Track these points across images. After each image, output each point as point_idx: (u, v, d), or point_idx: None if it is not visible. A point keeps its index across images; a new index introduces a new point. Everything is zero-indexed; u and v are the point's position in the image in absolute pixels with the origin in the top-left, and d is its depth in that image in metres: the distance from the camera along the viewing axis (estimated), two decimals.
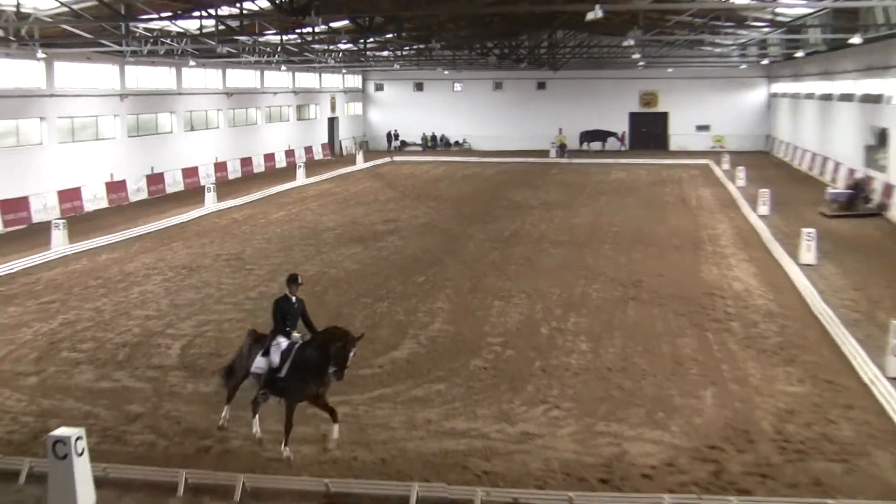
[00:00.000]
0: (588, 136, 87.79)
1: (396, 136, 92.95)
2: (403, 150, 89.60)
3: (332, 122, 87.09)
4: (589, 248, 36.22)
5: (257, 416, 16.52)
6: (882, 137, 48.01)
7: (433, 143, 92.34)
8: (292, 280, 16.30)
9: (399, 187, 59.56)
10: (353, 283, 30.07)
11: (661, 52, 72.15)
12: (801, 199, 50.59)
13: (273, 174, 67.47)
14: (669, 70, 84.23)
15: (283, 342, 15.90)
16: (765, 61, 76.19)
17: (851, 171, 52.11)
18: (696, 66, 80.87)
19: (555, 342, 23.00)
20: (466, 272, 31.77)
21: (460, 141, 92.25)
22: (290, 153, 76.04)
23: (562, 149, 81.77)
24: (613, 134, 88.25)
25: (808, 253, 32.33)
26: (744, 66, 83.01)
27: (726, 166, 67.44)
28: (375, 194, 55.51)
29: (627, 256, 34.33)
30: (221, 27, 44.09)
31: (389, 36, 52.37)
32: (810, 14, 42.70)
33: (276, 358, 15.76)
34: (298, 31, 48.41)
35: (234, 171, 66.10)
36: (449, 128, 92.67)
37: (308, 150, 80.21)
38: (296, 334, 16.11)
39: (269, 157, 72.65)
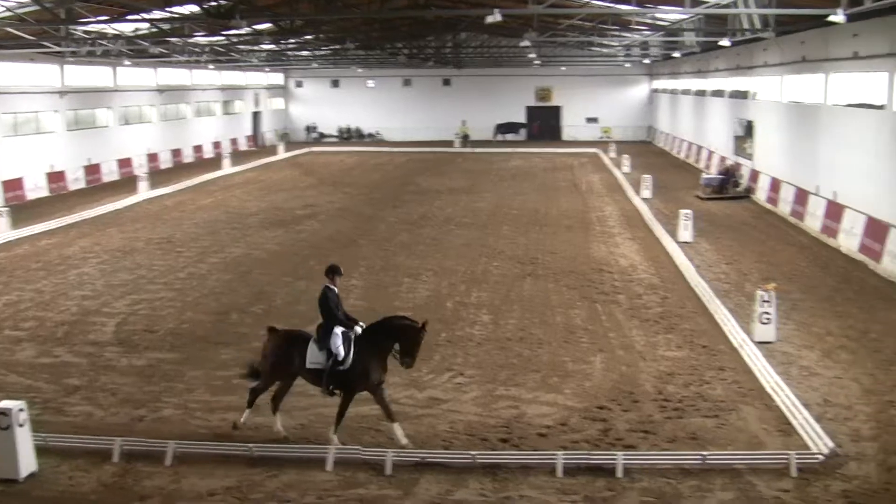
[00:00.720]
0: (502, 127, 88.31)
1: (315, 129, 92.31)
2: (321, 142, 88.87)
3: (256, 116, 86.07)
4: (490, 229, 36.37)
5: (279, 413, 15.23)
6: (749, 129, 48.92)
7: (348, 135, 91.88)
8: (336, 271, 15.08)
9: (317, 175, 59.12)
10: (275, 264, 29.84)
11: (555, 51, 72.43)
12: (679, 183, 51.31)
13: (201, 164, 66.42)
14: (562, 68, 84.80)
15: (340, 333, 14.70)
16: (646, 60, 76.99)
17: (723, 159, 53.01)
18: (586, 65, 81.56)
19: (459, 315, 23.09)
20: (378, 252, 31.71)
21: (373, 132, 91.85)
22: (217, 145, 74.81)
23: (465, 139, 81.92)
24: (525, 125, 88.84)
25: (686, 232, 32.82)
26: (628, 65, 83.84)
27: (613, 155, 68.02)
28: (295, 182, 55.03)
29: (525, 236, 34.53)
30: (154, 30, 43.39)
31: (308, 37, 51.95)
32: (685, 19, 43.23)
33: (340, 350, 14.56)
34: (225, 33, 47.74)
35: (165, 161, 64.87)
36: (363, 121, 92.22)
37: (234, 141, 79.08)
38: (358, 327, 14.83)
39: (198, 149, 71.46)
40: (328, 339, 14.64)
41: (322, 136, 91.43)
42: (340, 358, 14.56)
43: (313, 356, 14.74)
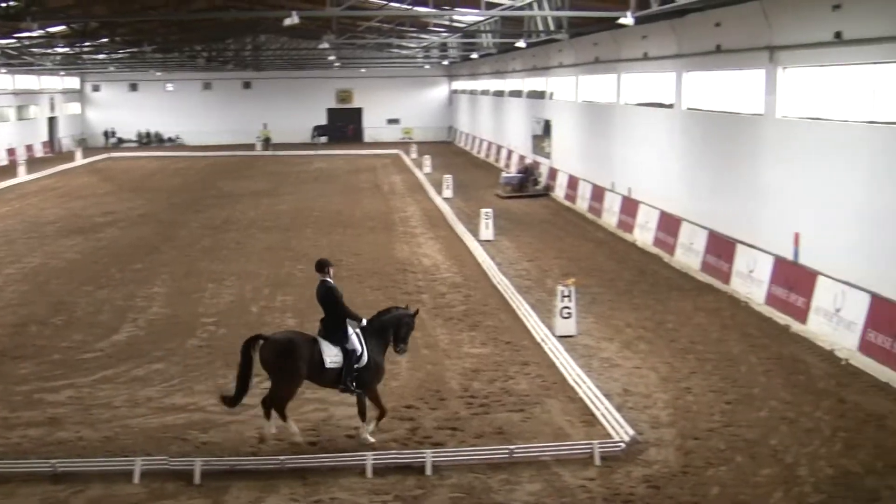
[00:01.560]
0: (319, 129, 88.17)
1: (113, 134, 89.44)
2: (120, 147, 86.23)
3: (52, 122, 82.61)
4: (293, 231, 36.04)
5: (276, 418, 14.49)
6: (546, 128, 50.13)
7: (148, 140, 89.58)
8: (329, 264, 15.20)
9: (117, 181, 57.28)
10: (74, 273, 28.70)
11: (355, 53, 72.64)
12: (480, 182, 52.13)
13: None
14: (362, 70, 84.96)
15: (351, 328, 14.50)
16: (446, 62, 77.95)
17: (522, 158, 54.17)
18: (386, 66, 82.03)
19: (264, 319, 22.72)
20: (181, 258, 30.97)
21: (173, 137, 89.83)
22: (11, 151, 71.29)
23: (266, 142, 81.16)
24: (343, 128, 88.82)
25: (487, 230, 33.33)
26: (427, 67, 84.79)
27: (414, 155, 68.52)
28: (94, 188, 53.10)
29: (328, 238, 34.34)
30: None
31: (104, 40, 50.31)
32: (482, 21, 43.94)
33: (358, 346, 14.37)
34: (16, 35, 45.63)
35: None
36: (163, 125, 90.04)
37: (29, 148, 75.64)
38: (364, 321, 14.78)
39: None
40: (345, 336, 14.45)
41: (121, 141, 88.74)
42: (359, 354, 14.44)
43: (331, 355, 14.37)
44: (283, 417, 14.52)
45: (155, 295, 25.58)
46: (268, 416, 14.51)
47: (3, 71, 68.21)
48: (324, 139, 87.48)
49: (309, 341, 14.52)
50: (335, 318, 14.71)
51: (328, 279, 14.96)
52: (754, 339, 20.59)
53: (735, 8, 25.62)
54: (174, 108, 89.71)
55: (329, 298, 14.79)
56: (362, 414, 14.77)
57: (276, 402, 14.48)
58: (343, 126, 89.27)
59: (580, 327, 21.06)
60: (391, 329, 14.92)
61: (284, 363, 14.26)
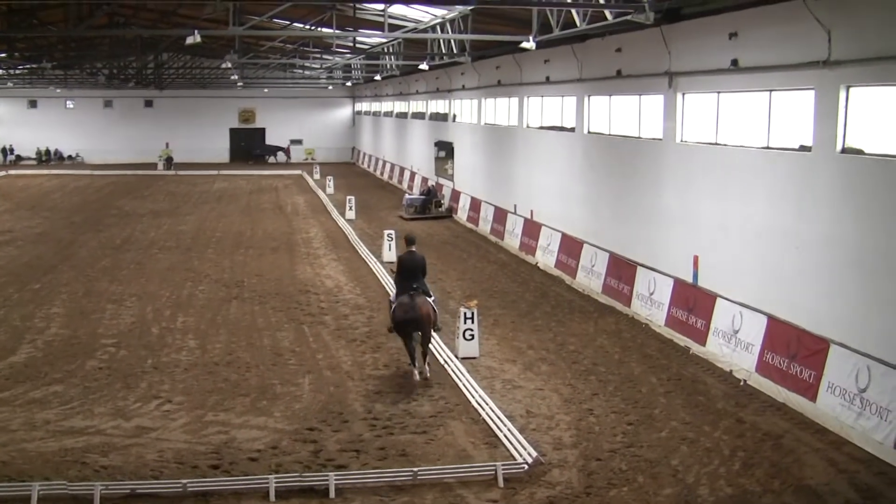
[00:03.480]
0: (260, 149, 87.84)
1: (11, 151, 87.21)
2: (18, 164, 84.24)
3: None
4: (195, 252, 35.54)
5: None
6: (449, 150, 50.32)
7: (48, 157, 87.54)
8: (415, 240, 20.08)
9: (14, 199, 55.91)
10: None
11: (258, 73, 72.02)
12: (383, 204, 52.14)
13: None
14: (266, 90, 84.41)
15: None
16: (349, 83, 77.91)
17: (425, 180, 54.28)
18: (289, 87, 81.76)
19: (165, 341, 22.33)
20: (80, 278, 30.29)
21: (73, 155, 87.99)
22: None
23: (168, 161, 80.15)
24: (281, 148, 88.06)
25: (390, 252, 33.22)
26: (331, 87, 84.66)
27: (317, 176, 68.32)
28: None
29: (230, 259, 33.95)
30: None
31: (1, 55, 49.07)
32: (385, 42, 44.02)
33: None
34: None
35: None
36: (62, 142, 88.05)
37: None
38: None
39: None
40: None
41: (19, 158, 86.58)
42: None
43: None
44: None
45: (53, 315, 24.98)
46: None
47: None
48: (266, 157, 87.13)
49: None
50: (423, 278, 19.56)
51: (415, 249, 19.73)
52: (655, 360, 20.88)
53: (636, 34, 26.01)
54: (75, 126, 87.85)
55: (423, 263, 19.67)
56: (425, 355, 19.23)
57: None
58: (280, 147, 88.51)
59: (483, 349, 21.11)
60: None
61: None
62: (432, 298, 19.43)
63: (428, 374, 19.07)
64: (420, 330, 18.78)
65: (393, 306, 19.35)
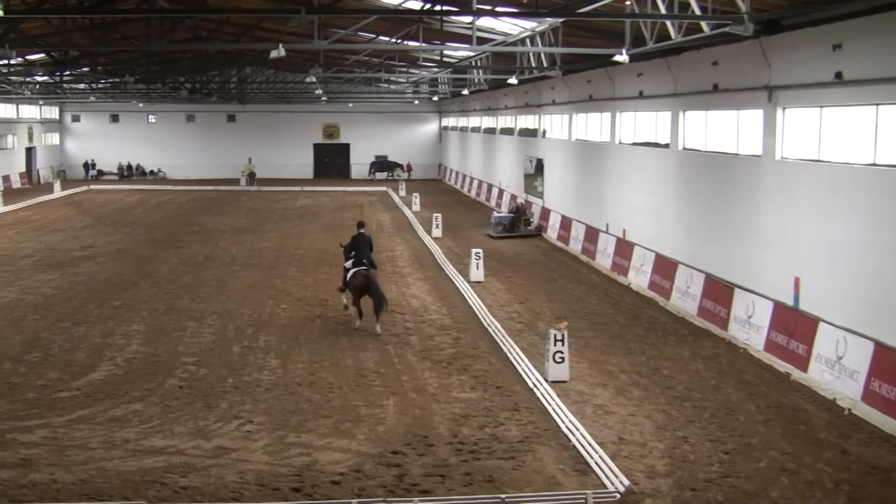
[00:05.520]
0: (376, 166, 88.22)
1: (93, 166, 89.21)
2: (100, 179, 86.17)
3: (30, 152, 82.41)
4: (277, 269, 35.97)
5: None
6: (538, 167, 50.27)
7: (129, 173, 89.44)
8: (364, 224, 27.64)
9: (96, 215, 57.17)
10: (51, 308, 28.51)
11: (342, 88, 72.82)
12: (470, 222, 52.22)
13: None
14: (350, 105, 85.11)
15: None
16: (435, 98, 78.25)
17: (513, 197, 54.26)
18: (374, 101, 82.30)
19: (246, 360, 22.62)
20: (161, 295, 30.83)
21: (155, 170, 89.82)
22: None
23: (251, 177, 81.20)
24: (399, 165, 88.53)
25: (477, 271, 33.28)
26: (417, 102, 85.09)
27: (403, 193, 68.70)
28: (72, 221, 52.99)
29: (313, 277, 34.30)
30: None
31: (84, 69, 50.34)
32: (473, 56, 44.21)
33: None
34: None
35: None
36: (144, 157, 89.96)
37: (6, 178, 75.34)
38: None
39: None
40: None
41: (101, 173, 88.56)
42: None
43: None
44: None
45: (134, 333, 25.44)
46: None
47: None
48: (382, 175, 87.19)
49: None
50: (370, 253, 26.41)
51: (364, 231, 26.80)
52: (753, 386, 20.56)
53: (733, 46, 25.81)
54: (156, 141, 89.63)
55: (370, 241, 26.94)
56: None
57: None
58: (398, 164, 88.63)
59: (573, 372, 21.00)
60: None
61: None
62: (376, 270, 26.68)
63: (378, 331, 25.09)
64: (371, 296, 25.10)
65: (349, 274, 25.65)
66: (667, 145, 31.83)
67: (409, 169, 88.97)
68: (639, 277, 32.16)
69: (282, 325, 26.37)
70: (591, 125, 41.31)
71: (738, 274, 25.79)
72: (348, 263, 26.14)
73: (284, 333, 25.37)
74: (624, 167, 36.16)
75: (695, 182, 29.58)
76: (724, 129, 28.05)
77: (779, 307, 22.92)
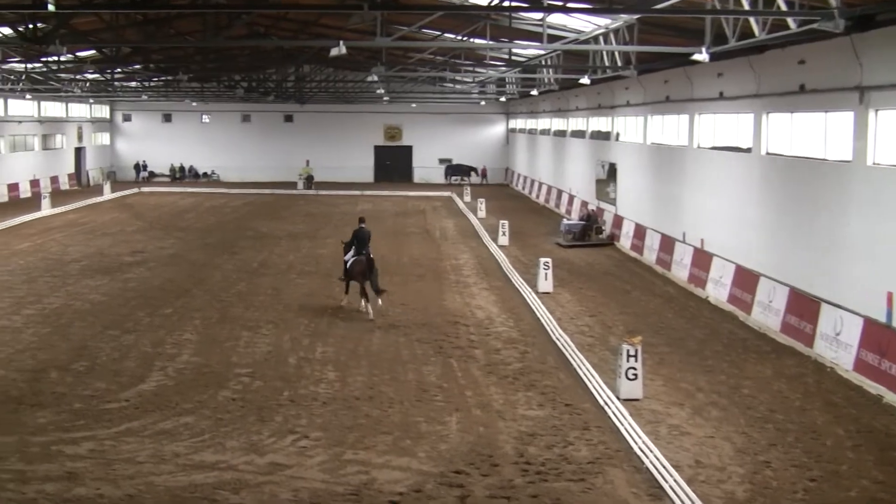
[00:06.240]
0: (452, 170, 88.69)
1: (145, 167, 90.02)
2: (151, 181, 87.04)
3: (79, 152, 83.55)
4: (335, 277, 36.00)
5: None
6: (611, 172, 49.94)
7: (181, 174, 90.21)
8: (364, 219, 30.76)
9: (146, 218, 57.88)
10: (99, 316, 28.84)
11: (405, 87, 73.03)
12: (538, 229, 52.06)
13: (17, 204, 64.01)
14: (413, 105, 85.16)
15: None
16: (503, 98, 78.12)
17: (584, 204, 53.94)
18: (438, 102, 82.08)
19: (302, 372, 22.67)
20: (214, 303, 31.06)
21: (209, 172, 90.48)
22: (35, 183, 72.38)
23: (309, 180, 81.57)
24: (474, 169, 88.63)
25: (546, 281, 33.11)
26: (483, 103, 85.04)
27: (468, 198, 68.73)
28: (122, 225, 53.69)
29: None
30: None
31: (136, 67, 50.98)
32: (543, 55, 44.04)
33: None
34: (43, 59, 46.38)
35: None
36: (197, 159, 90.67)
37: (54, 179, 76.74)
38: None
39: (13, 187, 69.01)
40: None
41: (153, 175, 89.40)
42: None
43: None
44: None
45: (185, 342, 25.63)
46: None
47: (29, 97, 69.27)
48: (456, 179, 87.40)
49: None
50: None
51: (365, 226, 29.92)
52: (841, 409, 20.18)
53: (821, 44, 25.37)
54: (210, 142, 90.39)
55: (370, 234, 29.84)
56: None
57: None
58: (474, 168, 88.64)
59: (647, 390, 20.77)
60: None
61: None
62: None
63: (371, 316, 28.31)
64: (370, 280, 28.81)
65: (350, 262, 29.28)
66: (749, 150, 31.40)
67: (485, 174, 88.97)
68: (718, 290, 31.76)
69: (340, 336, 26.40)
70: (668, 128, 40.93)
71: (824, 287, 25.34)
72: (347, 256, 29.68)
73: (343, 345, 25.39)
74: (702, 173, 35.75)
75: (778, 189, 29.15)
76: (811, 132, 27.61)
77: (869, 323, 22.47)
